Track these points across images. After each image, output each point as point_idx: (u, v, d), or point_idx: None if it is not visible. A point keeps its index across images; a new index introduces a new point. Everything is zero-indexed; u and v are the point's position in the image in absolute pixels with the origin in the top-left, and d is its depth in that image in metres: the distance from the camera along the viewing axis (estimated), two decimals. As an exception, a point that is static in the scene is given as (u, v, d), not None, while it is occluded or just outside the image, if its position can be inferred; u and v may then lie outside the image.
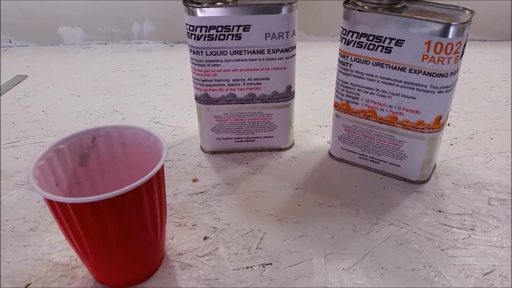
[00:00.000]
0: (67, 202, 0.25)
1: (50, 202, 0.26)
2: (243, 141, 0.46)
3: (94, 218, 0.26)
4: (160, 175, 0.29)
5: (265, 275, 0.31)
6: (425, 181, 0.41)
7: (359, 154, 0.42)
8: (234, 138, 0.45)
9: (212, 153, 0.46)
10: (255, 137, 0.45)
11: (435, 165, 0.42)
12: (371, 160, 0.42)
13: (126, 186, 0.25)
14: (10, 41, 0.81)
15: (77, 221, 0.26)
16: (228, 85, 0.42)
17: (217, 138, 0.45)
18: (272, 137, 0.46)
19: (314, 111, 0.55)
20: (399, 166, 0.40)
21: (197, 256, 0.33)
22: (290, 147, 0.47)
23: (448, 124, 0.50)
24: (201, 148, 0.47)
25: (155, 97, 0.60)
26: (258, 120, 0.44)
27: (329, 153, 0.45)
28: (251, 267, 0.32)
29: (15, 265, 0.33)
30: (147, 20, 0.80)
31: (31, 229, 0.37)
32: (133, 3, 0.78)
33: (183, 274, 0.32)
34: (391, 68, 0.36)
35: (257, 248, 0.34)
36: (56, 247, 0.35)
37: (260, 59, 0.40)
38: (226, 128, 0.45)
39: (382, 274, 0.31)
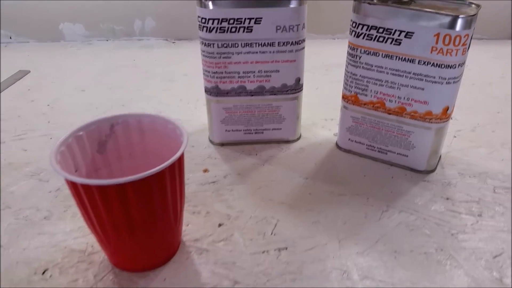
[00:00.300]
0: (92, 185, 0.26)
1: (74, 185, 0.26)
2: (252, 133, 0.46)
3: (119, 201, 0.26)
4: (181, 160, 0.29)
5: (281, 259, 0.32)
6: (432, 171, 0.42)
7: (367, 145, 0.43)
8: (243, 130, 0.46)
9: (221, 145, 0.47)
10: (263, 129, 0.46)
11: (440, 155, 0.43)
12: (378, 151, 0.43)
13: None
14: (10, 37, 0.81)
15: (101, 204, 0.26)
16: (239, 77, 0.43)
17: (226, 130, 0.46)
18: (281, 129, 0.46)
19: (319, 106, 0.56)
20: (407, 156, 0.41)
21: (213, 241, 0.34)
22: (298, 139, 0.48)
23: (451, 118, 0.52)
24: (210, 140, 0.48)
25: (160, 91, 0.61)
26: (267, 112, 0.45)
27: (337, 144, 0.46)
28: (267, 251, 0.33)
29: (30, 252, 0.33)
30: (148, 17, 0.80)
31: (44, 217, 0.37)
32: None
33: (201, 258, 0.32)
34: (400, 60, 0.37)
35: (271, 234, 0.34)
36: (71, 235, 0.35)
37: (270, 52, 0.41)
38: (235, 120, 0.45)
39: (395, 258, 0.32)
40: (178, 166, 0.29)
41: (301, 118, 0.48)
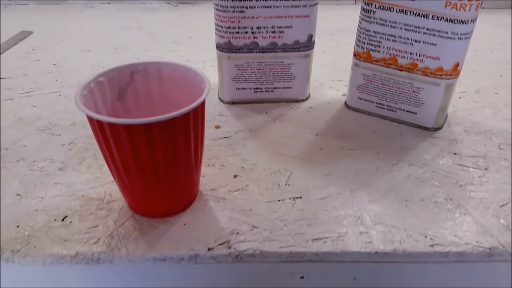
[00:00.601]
0: (120, 124, 0.26)
1: (100, 125, 0.27)
2: (262, 91, 0.47)
3: (146, 141, 0.27)
4: (203, 105, 0.30)
5: (297, 207, 0.33)
6: (439, 128, 0.43)
7: (376, 103, 0.44)
8: (254, 89, 0.46)
9: (231, 103, 0.47)
10: (274, 88, 0.47)
11: (446, 114, 0.44)
12: (388, 109, 0.44)
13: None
14: (9, -1, 0.79)
15: (127, 144, 0.27)
16: (252, 32, 0.43)
17: (237, 88, 0.46)
18: (291, 88, 0.47)
19: (326, 67, 0.56)
20: (416, 113, 0.42)
21: (229, 191, 0.35)
22: (307, 98, 0.48)
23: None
24: (220, 99, 0.48)
25: (167, 52, 0.60)
26: (278, 70, 0.45)
27: (346, 104, 0.47)
28: (282, 200, 0.34)
29: (48, 200, 0.34)
30: (150, -21, 0.79)
31: (60, 169, 0.37)
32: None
33: (218, 206, 0.33)
34: (414, 15, 0.38)
35: (286, 184, 0.35)
36: (88, 184, 0.35)
37: (284, 6, 0.41)
38: (246, 78, 0.46)
39: (406, 206, 0.33)
40: (201, 111, 0.29)
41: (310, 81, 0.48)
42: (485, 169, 0.37)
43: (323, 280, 0.31)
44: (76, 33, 0.68)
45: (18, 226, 0.31)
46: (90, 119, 0.27)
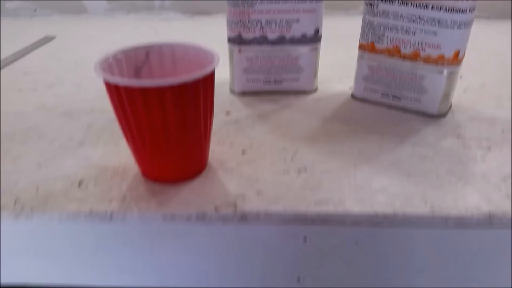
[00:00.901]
0: (135, 86, 0.28)
1: (117, 90, 0.29)
2: (271, 82, 0.49)
3: (159, 104, 0.29)
4: (213, 75, 0.32)
5: (301, 177, 0.34)
6: (443, 116, 0.44)
7: (381, 93, 0.46)
8: (263, 80, 0.49)
9: (242, 94, 0.49)
10: (282, 79, 0.49)
11: (451, 104, 0.46)
12: (393, 98, 0.45)
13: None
14: (35, 10, 0.84)
15: (141, 107, 0.29)
16: (261, 26, 0.45)
17: (247, 80, 0.48)
18: (299, 80, 0.49)
19: (335, 66, 0.58)
20: (420, 101, 0.44)
21: (238, 164, 0.36)
22: (315, 90, 0.50)
23: (460, 77, 0.54)
24: (231, 90, 0.50)
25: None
26: (286, 63, 0.47)
27: (352, 95, 0.49)
28: (288, 171, 0.35)
29: (66, 170, 0.36)
30: (168, -7, 0.83)
31: (78, 145, 0.39)
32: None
33: (226, 175, 0.35)
34: (415, 6, 0.40)
35: (291, 159, 0.37)
36: (105, 157, 0.37)
37: (292, 1, 0.44)
38: (256, 70, 0.48)
39: (408, 177, 0.34)
40: (210, 81, 0.31)
41: (318, 75, 0.50)
42: (488, 149, 0.38)
43: (325, 243, 0.32)
44: (96, 38, 0.72)
45: (37, 189, 0.33)
46: (108, 85, 0.30)
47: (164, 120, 0.30)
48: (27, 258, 0.34)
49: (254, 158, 0.37)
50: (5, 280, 0.35)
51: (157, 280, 0.35)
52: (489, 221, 0.30)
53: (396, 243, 0.31)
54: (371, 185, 0.33)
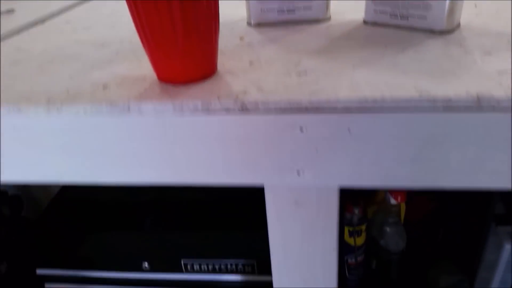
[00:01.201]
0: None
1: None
2: (284, 12, 0.51)
3: (167, 3, 0.32)
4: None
5: (302, 77, 0.37)
6: (450, 32, 0.44)
7: (390, 13, 0.47)
8: (277, 10, 0.51)
9: (258, 25, 0.52)
10: (294, 8, 0.51)
11: (459, 23, 0.46)
12: (401, 18, 0.46)
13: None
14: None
15: (153, 5, 0.33)
16: (273, -46, 0.48)
17: (261, 10, 0.51)
18: (311, 7, 0.51)
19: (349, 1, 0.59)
20: (426, 18, 0.44)
21: (244, 71, 0.39)
22: (328, 19, 0.52)
23: (475, 6, 0.53)
24: (248, 24, 0.53)
25: None
26: (298, -9, 0.50)
27: (364, 21, 0.50)
28: (289, 74, 0.38)
29: (94, 79, 0.40)
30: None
31: (106, 64, 0.44)
32: None
33: (233, 78, 0.38)
34: None
35: (294, 66, 0.39)
36: (128, 71, 0.42)
37: None
38: (270, -1, 0.50)
39: (404, 74, 0.36)
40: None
41: (330, 2, 0.52)
42: (488, 53, 0.39)
43: (320, 132, 0.34)
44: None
45: (67, 91, 0.38)
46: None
47: (172, 20, 0.33)
48: (57, 154, 0.39)
49: (260, 67, 0.40)
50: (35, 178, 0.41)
51: (172, 174, 0.39)
52: (477, 104, 0.31)
53: (387, 129, 0.33)
54: (367, 79, 0.35)
